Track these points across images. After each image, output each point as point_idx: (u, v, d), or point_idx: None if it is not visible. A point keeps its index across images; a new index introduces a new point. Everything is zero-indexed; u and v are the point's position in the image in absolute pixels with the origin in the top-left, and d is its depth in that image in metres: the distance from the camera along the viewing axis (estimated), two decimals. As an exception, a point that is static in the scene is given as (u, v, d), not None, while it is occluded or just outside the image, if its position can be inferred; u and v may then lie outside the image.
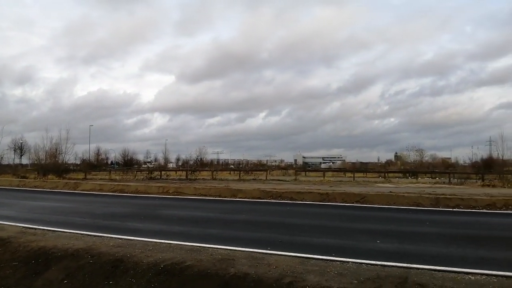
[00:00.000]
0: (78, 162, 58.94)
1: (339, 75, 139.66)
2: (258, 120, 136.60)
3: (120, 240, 6.82)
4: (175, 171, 39.58)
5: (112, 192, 17.29)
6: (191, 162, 60.50)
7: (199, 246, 6.27)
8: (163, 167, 48.83)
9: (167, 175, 32.53)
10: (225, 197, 14.44)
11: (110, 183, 20.92)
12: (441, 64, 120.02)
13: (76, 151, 57.94)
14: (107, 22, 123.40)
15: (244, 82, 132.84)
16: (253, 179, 28.53)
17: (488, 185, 20.25)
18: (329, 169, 54.06)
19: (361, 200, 12.62)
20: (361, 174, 38.53)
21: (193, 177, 29.80)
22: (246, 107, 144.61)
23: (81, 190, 18.49)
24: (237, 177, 31.06)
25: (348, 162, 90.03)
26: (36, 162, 33.32)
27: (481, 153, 51.00)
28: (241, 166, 72.51)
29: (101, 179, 28.33)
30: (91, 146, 66.93)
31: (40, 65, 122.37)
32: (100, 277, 5.23)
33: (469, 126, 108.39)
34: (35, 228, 8.06)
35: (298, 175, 32.59)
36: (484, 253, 6.04)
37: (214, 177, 30.06)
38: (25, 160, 55.13)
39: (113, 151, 73.74)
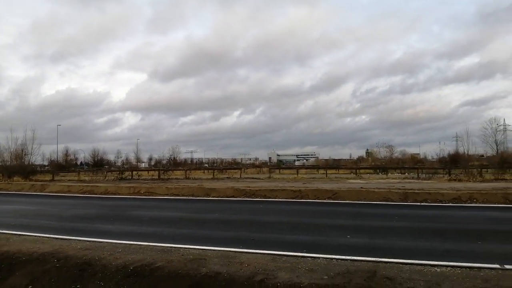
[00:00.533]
0: (45, 163, 57.10)
1: (312, 74, 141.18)
2: (233, 119, 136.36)
3: (88, 243, 6.64)
4: (147, 171, 38.94)
5: (81, 193, 16.81)
6: (164, 162, 59.60)
7: (170, 247, 6.19)
8: (134, 167, 47.91)
9: (139, 175, 31.95)
10: (198, 197, 14.32)
11: (79, 184, 20.33)
12: (410, 63, 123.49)
13: (43, 152, 55.99)
14: (77, 19, 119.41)
15: (218, 80, 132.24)
16: (227, 177, 28.43)
17: (455, 180, 20.94)
18: (302, 166, 54.66)
19: (333, 196, 12.82)
20: (333, 171, 39.13)
21: (165, 177, 29.40)
22: (220, 106, 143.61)
23: (48, 192, 17.91)
24: (211, 176, 30.87)
25: (321, 159, 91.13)
26: (0, 164, 31.88)
27: (448, 148, 53.07)
28: (215, 165, 72.15)
29: (69, 180, 27.48)
30: (59, 146, 65.05)
31: (6, 63, 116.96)
32: (67, 281, 5.07)
33: (436, 123, 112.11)
34: (-2, 233, 7.72)
35: (272, 173, 32.75)
36: (449, 246, 6.26)
37: (187, 176, 29.78)
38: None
39: (82, 151, 71.59)
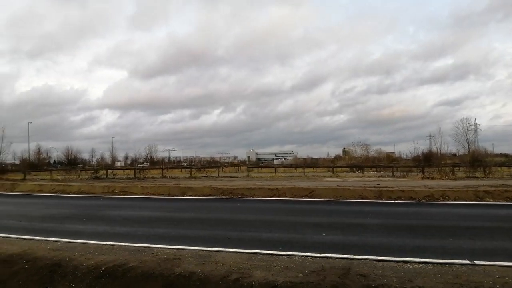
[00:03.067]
0: (17, 162, 55.26)
1: (292, 73, 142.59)
2: (213, 117, 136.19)
3: (58, 243, 6.44)
4: (123, 169, 38.15)
5: (53, 193, 16.36)
6: (141, 160, 58.71)
7: (144, 247, 6.08)
8: (109, 166, 46.93)
9: (114, 174, 31.26)
10: (174, 196, 14.16)
11: (51, 183, 19.76)
12: (387, 64, 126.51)
13: (14, 150, 54.29)
14: (57, 14, 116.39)
15: (199, 78, 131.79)
16: (205, 176, 28.23)
17: (428, 178, 21.51)
18: (281, 165, 54.86)
19: (310, 194, 12.92)
20: (311, 169, 39.51)
21: (141, 176, 28.89)
22: (200, 104, 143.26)
23: (18, 192, 17.35)
24: (188, 175, 30.59)
25: (299, 158, 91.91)
26: (-33, 163, 30.70)
27: (422, 147, 54.48)
28: (193, 163, 71.54)
29: (42, 179, 26.66)
30: (32, 145, 63.07)
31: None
32: (36, 283, 4.89)
33: (411, 122, 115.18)
34: (-38, 234, 7.40)
35: (251, 172, 32.76)
36: (421, 242, 6.41)
37: (164, 175, 29.37)
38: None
39: (55, 149, 69.75)
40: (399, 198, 11.95)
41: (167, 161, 72.40)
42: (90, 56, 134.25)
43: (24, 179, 26.80)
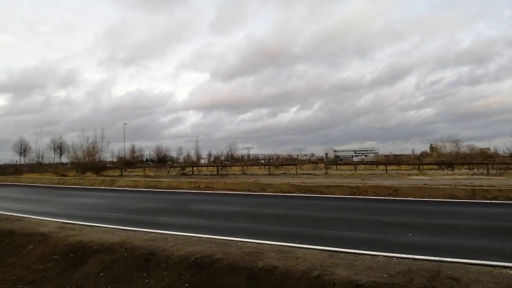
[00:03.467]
0: (114, 159, 61.03)
1: (373, 67, 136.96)
2: (290, 115, 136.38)
3: (152, 234, 7.01)
4: (207, 166, 40.11)
5: (146, 188, 17.79)
6: (222, 158, 61.09)
7: (228, 240, 6.36)
8: (195, 163, 49.63)
9: (199, 171, 33.08)
10: (254, 192, 14.52)
11: (144, 179, 21.52)
12: (479, 52, 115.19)
13: (112, 149, 60.20)
14: (146, 23, 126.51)
15: (276, 77, 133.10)
16: (283, 173, 28.47)
17: (530, 176, 19.26)
18: (361, 162, 53.08)
19: (393, 193, 12.34)
20: (394, 167, 37.60)
21: (223, 172, 30.13)
22: (278, 102, 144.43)
23: (117, 187, 19.16)
24: (267, 172, 31.10)
25: (381, 155, 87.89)
26: (74, 161, 34.69)
27: (523, 142, 48.49)
28: (271, 160, 72.46)
29: (136, 175, 29.16)
30: (127, 144, 69.23)
31: (83, 67, 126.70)
32: (134, 270, 5.41)
33: (509, 115, 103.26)
34: (73, 224, 8.44)
35: (329, 169, 32.23)
36: (523, 247, 5.78)
37: (244, 172, 30.25)
38: (64, 159, 57.92)
39: (147, 148, 75.81)
40: (495, 198, 10.87)
41: (246, 158, 74.34)
42: (176, 61, 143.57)
43: (121, 175, 29.58)
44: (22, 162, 55.00)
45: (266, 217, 9.23)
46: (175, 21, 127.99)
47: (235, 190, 15.16)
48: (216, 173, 30.17)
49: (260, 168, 40.97)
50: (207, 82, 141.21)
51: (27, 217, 9.45)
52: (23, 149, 62.23)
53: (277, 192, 14.06)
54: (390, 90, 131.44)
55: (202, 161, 69.51)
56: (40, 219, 9.09)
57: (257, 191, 14.55)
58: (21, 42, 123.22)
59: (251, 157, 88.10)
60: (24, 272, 6.03)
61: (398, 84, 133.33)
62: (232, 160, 55.95)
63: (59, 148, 62.68)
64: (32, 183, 24.21)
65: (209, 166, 40.14)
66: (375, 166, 38.94)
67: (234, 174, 29.29)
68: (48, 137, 79.81)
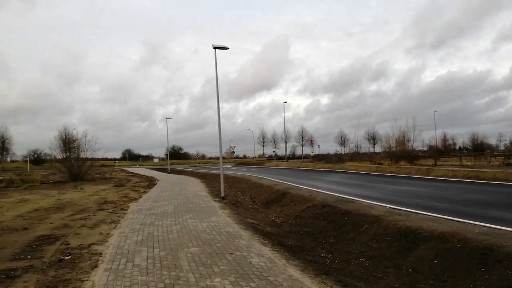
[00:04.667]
0: (425, 148, 59.80)
1: None
2: None
3: (485, 228, 6.52)
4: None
5: (466, 178, 16.53)
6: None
7: None
8: (525, 151, 41.29)
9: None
10: None
11: (462, 169, 20.01)
12: None
13: (423, 138, 59.01)
14: (455, 1, 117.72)
15: None
16: None
17: None
18: None
19: None
20: None
21: None
22: None
23: (433, 176, 18.79)
24: None
25: None
26: (387, 150, 36.36)
27: None
28: None
29: (451, 165, 27.50)
30: (437, 132, 66.19)
31: (392, 58, 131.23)
32: (470, 262, 5.23)
33: None
34: (399, 209, 8.99)
35: None
36: None
37: None
38: (378, 148, 62.00)
39: (460, 135, 69.62)
40: None
41: None
42: (494, 33, 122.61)
43: (435, 164, 28.66)
44: (342, 152, 63.19)
45: None
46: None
47: None
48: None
49: None
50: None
51: (357, 200, 10.84)
52: (342, 140, 71.17)
53: None
54: None
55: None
56: (369, 203, 10.21)
57: None
58: (338, 45, 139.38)
59: None
60: (363, 248, 7.00)
61: None
62: None
63: (372, 138, 67.41)
64: (354, 170, 27.32)
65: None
66: None
67: None
68: (363, 129, 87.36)
